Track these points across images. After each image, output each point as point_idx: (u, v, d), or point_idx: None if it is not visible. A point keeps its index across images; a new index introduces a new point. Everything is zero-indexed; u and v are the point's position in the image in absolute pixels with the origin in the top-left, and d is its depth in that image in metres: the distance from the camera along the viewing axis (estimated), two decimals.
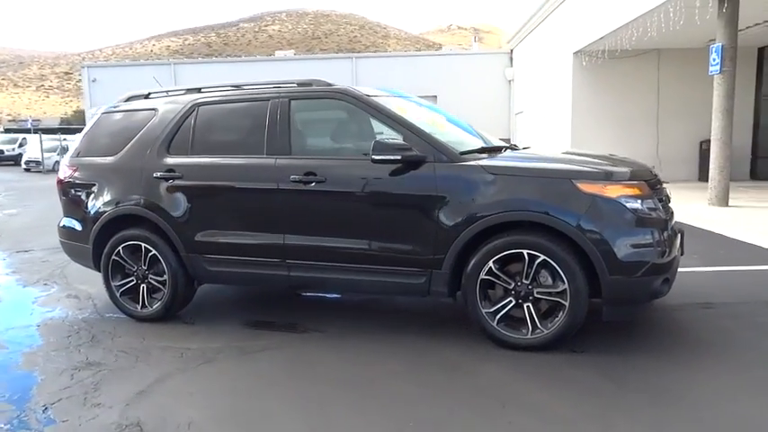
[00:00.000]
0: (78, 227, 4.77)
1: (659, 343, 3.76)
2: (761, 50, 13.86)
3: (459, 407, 2.99)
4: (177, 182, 4.33)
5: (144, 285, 4.50)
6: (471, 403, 3.02)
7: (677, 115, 14.30)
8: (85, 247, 4.70)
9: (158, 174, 4.38)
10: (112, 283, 4.58)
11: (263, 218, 4.13)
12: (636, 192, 3.51)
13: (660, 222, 3.56)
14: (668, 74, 14.20)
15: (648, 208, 3.52)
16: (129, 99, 4.86)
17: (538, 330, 3.56)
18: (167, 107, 4.56)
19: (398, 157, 3.69)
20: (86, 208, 4.69)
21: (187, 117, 4.43)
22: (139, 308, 4.52)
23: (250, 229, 4.18)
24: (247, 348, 3.90)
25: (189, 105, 4.45)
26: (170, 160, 4.40)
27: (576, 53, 14.13)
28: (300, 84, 4.29)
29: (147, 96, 4.80)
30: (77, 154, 4.90)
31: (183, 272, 4.40)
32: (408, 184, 3.75)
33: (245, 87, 4.52)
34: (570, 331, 3.53)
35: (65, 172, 4.90)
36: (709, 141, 14.22)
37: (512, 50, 22.35)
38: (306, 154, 4.21)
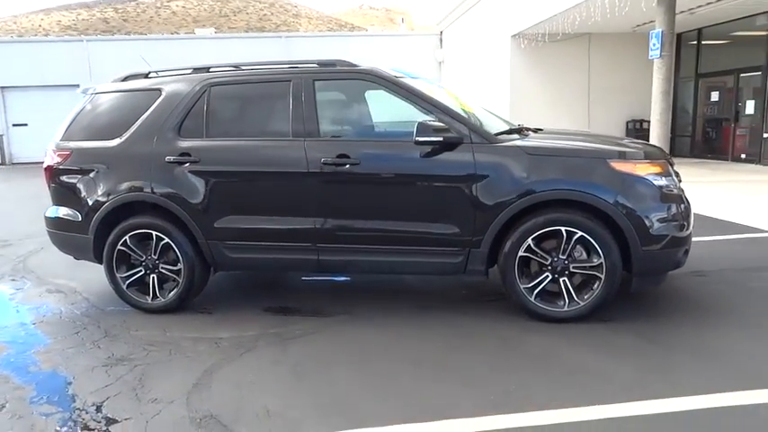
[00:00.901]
0: (74, 216, 4.43)
1: (672, 308, 4.07)
2: (679, 36, 14.91)
3: (530, 376, 3.11)
4: (194, 166, 4.13)
5: (154, 275, 4.29)
6: (539, 372, 3.16)
7: (606, 96, 15.21)
8: (84, 238, 4.39)
9: (171, 158, 4.16)
10: (117, 275, 4.33)
11: (291, 202, 4.04)
12: (660, 170, 3.78)
13: (680, 198, 3.85)
14: (597, 57, 15.03)
15: (670, 184, 3.80)
16: (126, 78, 4.55)
17: (574, 303, 3.75)
18: (174, 87, 4.31)
19: (440, 139, 3.72)
20: (84, 196, 4.36)
21: (199, 98, 4.22)
22: (150, 299, 4.31)
23: (277, 214, 4.07)
24: (285, 334, 3.83)
25: (201, 85, 4.23)
26: (184, 144, 4.17)
27: (514, 36, 14.58)
28: (322, 64, 4.20)
29: (146, 76, 4.51)
30: (66, 138, 4.54)
31: (200, 260, 4.24)
32: (447, 166, 3.80)
33: (257, 67, 4.36)
34: (604, 302, 3.75)
35: (53, 158, 4.53)
36: (635, 121, 15.31)
37: (441, 32, 22.66)
38: (334, 136, 4.15)
